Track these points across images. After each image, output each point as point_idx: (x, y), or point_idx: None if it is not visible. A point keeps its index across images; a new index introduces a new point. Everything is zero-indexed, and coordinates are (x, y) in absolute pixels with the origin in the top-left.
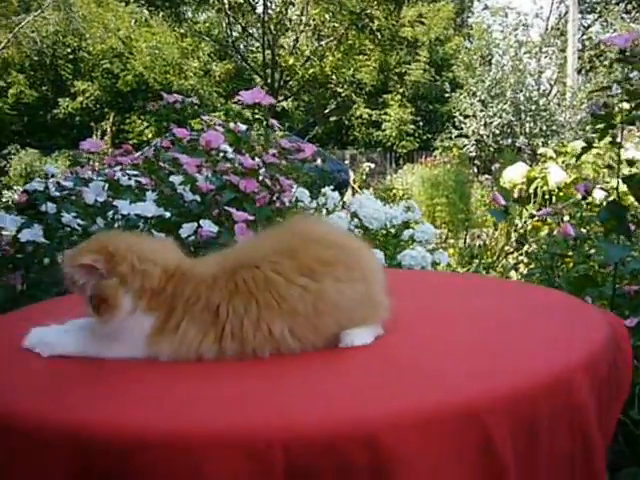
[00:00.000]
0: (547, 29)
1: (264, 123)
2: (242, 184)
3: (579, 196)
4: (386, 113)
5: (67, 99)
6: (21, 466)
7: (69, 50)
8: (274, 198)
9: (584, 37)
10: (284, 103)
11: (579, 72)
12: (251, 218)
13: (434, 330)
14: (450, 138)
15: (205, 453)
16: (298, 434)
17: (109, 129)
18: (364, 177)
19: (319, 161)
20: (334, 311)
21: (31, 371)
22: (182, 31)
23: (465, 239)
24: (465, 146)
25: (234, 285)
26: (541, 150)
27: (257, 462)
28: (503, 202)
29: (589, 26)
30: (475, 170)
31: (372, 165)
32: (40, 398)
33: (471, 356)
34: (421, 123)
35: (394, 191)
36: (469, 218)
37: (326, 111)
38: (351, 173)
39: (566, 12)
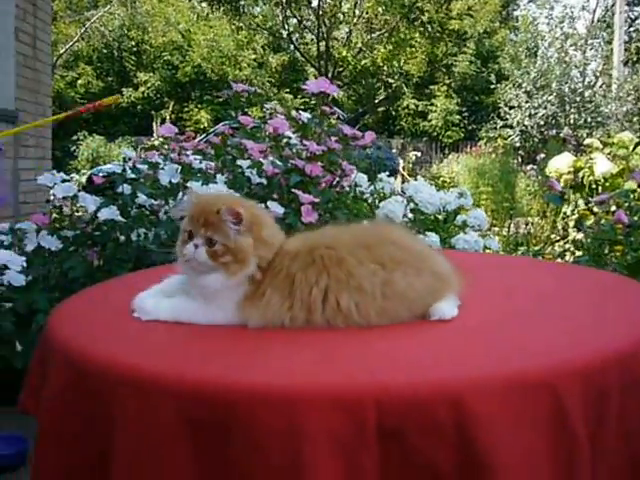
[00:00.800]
0: (593, 21)
1: (319, 111)
2: (308, 168)
3: (626, 186)
4: (432, 104)
5: (130, 89)
6: (131, 413)
7: (133, 43)
8: (334, 182)
9: (631, 29)
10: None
11: (625, 64)
12: (316, 200)
13: (505, 305)
14: (495, 129)
15: (302, 408)
16: (390, 393)
17: (168, 117)
18: (410, 165)
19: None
20: (402, 299)
21: (135, 330)
22: (239, 24)
23: (509, 227)
24: (510, 136)
25: (311, 259)
26: (587, 141)
27: (351, 418)
28: (559, 188)
29: (636, 18)
30: (519, 160)
31: (419, 154)
32: (149, 354)
33: (544, 329)
34: (466, 114)
35: (441, 179)
36: (514, 207)
37: (376, 101)
38: (401, 161)
39: (613, 4)
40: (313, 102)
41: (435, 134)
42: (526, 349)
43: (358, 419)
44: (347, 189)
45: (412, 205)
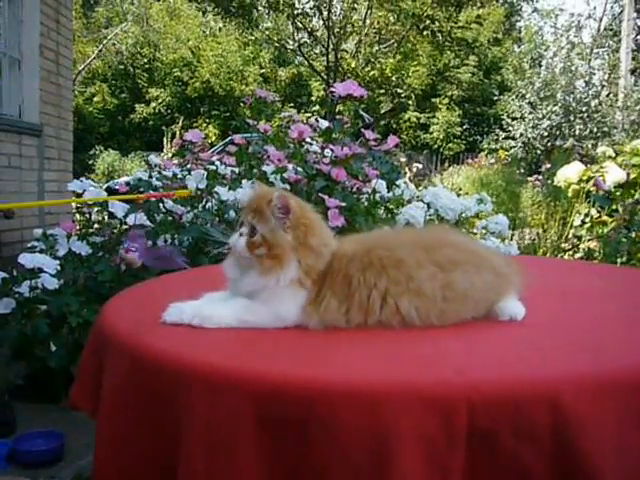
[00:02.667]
0: (599, 30)
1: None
2: (333, 172)
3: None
4: (434, 116)
5: (142, 105)
6: (203, 411)
7: (145, 60)
8: (354, 188)
9: (639, 37)
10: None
11: (633, 72)
12: (343, 204)
13: (570, 305)
14: (496, 140)
15: (389, 406)
16: (481, 392)
17: (178, 132)
18: (411, 178)
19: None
20: (464, 299)
21: (205, 336)
22: (248, 39)
23: (511, 237)
24: (512, 148)
25: (369, 260)
26: (599, 149)
27: (441, 418)
28: (605, 187)
29: None
30: (521, 171)
31: (420, 166)
32: (218, 351)
33: (625, 330)
34: (467, 125)
35: None
36: (518, 217)
37: (382, 112)
38: (408, 172)
39: (620, 12)
40: (316, 118)
41: (436, 146)
42: (616, 349)
43: (448, 419)
44: (366, 195)
45: (431, 211)
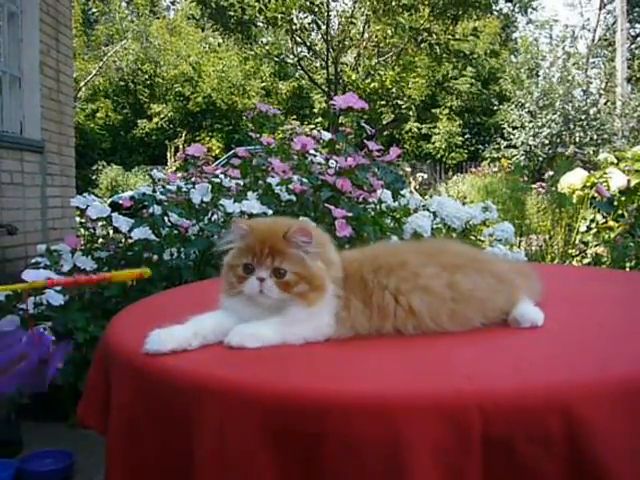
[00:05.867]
0: (594, 40)
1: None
2: (339, 183)
3: None
4: (435, 126)
5: (144, 120)
6: (214, 425)
7: (146, 76)
8: (360, 198)
9: (633, 46)
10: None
11: (629, 81)
12: (349, 214)
13: (584, 312)
14: (498, 149)
15: (402, 417)
16: (494, 400)
17: (181, 146)
18: (417, 187)
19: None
20: (470, 299)
21: (215, 351)
22: (248, 54)
23: (519, 245)
24: (514, 156)
25: (378, 264)
26: (601, 156)
27: (455, 427)
28: (608, 194)
29: (638, 35)
30: (524, 179)
31: (425, 175)
32: (228, 364)
33: (636, 335)
34: (469, 135)
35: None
36: (524, 224)
37: (384, 123)
38: (412, 182)
39: (614, 22)
40: (318, 129)
41: (439, 156)
42: (625, 355)
43: (462, 428)
44: (372, 205)
45: (437, 220)
